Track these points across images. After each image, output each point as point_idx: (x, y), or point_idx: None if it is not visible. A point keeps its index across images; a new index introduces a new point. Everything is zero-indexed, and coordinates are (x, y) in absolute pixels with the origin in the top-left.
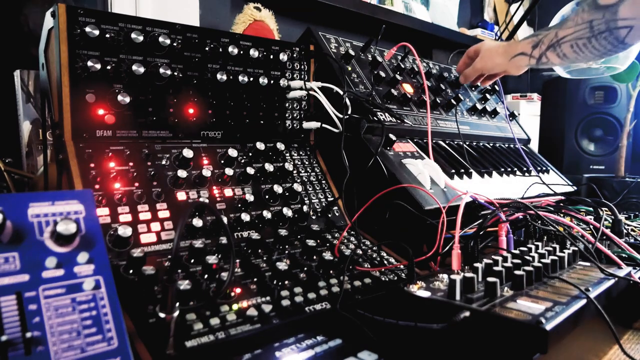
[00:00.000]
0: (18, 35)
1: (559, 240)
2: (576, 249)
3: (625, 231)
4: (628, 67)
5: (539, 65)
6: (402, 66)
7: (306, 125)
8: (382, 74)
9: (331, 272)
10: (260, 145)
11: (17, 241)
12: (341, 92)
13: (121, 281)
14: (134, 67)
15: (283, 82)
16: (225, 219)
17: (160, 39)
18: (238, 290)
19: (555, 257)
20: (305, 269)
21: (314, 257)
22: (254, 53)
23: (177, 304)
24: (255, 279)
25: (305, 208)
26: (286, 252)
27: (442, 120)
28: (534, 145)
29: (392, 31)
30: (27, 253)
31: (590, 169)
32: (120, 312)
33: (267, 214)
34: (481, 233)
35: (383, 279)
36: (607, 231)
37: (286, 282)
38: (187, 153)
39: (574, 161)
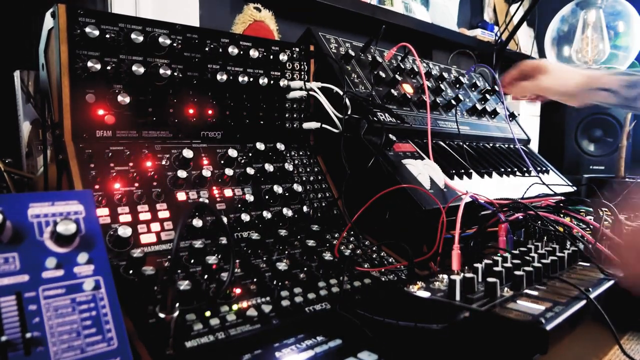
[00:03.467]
0: (18, 36)
1: (559, 241)
2: (576, 249)
3: (625, 231)
4: (628, 68)
5: (615, 105)
6: (402, 66)
7: (306, 125)
8: (382, 74)
9: (331, 272)
10: (260, 146)
11: (17, 241)
12: (341, 93)
13: (121, 281)
14: (134, 68)
15: (283, 83)
16: (225, 219)
17: (160, 39)
18: (238, 290)
19: (555, 258)
20: (305, 269)
21: (314, 258)
22: (253, 53)
23: (177, 304)
24: (255, 279)
25: (305, 208)
26: (286, 252)
27: (442, 120)
28: (534, 146)
29: (392, 31)
30: (27, 253)
31: (590, 169)
32: (120, 312)
33: (267, 214)
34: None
35: (383, 279)
36: (607, 231)
37: (286, 282)
38: (187, 153)
39: (574, 161)
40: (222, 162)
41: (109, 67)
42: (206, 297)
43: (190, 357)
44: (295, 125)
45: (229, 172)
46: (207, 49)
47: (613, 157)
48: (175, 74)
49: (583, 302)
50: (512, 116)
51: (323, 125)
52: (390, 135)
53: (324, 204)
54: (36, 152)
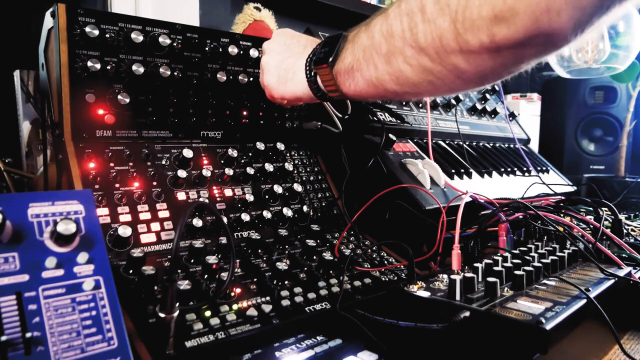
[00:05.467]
0: (18, 36)
1: (559, 240)
2: (576, 249)
3: (625, 231)
4: (628, 67)
5: None
6: None
7: (306, 125)
8: None
9: (331, 272)
10: (260, 145)
11: (17, 241)
12: None
13: (121, 281)
14: (134, 67)
15: None
16: (225, 219)
17: (160, 39)
18: (238, 290)
19: (555, 257)
20: (305, 269)
21: (314, 257)
22: (254, 53)
23: (177, 304)
24: (255, 279)
25: (305, 208)
26: (286, 252)
27: (442, 120)
28: (534, 145)
29: None
30: (27, 253)
31: (590, 169)
32: (120, 312)
33: (267, 214)
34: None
35: (383, 279)
36: (607, 231)
37: (286, 282)
38: (187, 153)
39: (574, 161)
40: (222, 161)
41: (108, 67)
42: (206, 297)
43: (190, 356)
44: (295, 125)
45: (229, 171)
46: (207, 48)
47: (613, 157)
48: (175, 73)
49: (583, 302)
50: (512, 116)
51: (323, 125)
52: (390, 135)
53: (324, 204)
54: (36, 152)
